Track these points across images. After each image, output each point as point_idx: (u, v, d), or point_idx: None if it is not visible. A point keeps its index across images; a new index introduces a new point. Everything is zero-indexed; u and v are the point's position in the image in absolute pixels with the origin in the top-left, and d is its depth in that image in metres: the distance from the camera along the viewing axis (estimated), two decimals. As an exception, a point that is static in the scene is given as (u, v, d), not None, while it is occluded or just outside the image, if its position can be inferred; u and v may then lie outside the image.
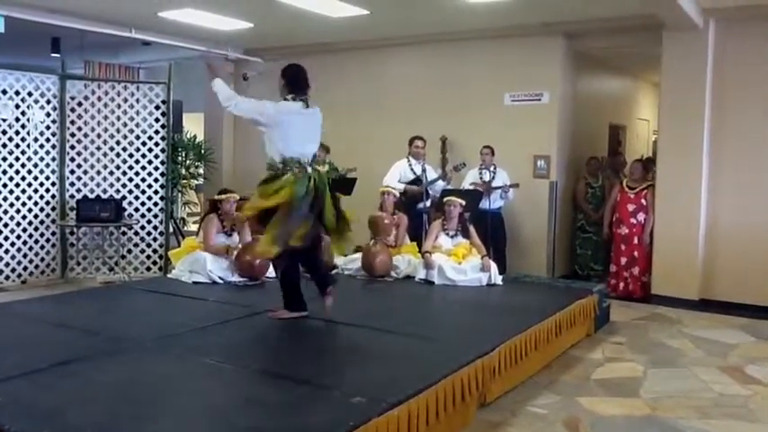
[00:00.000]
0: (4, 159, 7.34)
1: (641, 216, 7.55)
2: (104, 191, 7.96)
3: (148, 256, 8.13)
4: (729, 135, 7.13)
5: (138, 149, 8.04)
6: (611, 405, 4.36)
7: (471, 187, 7.75)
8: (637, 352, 5.56)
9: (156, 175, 8.10)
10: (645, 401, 4.44)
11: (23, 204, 7.51)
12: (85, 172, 7.95)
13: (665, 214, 7.37)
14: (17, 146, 7.43)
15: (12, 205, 7.41)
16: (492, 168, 7.83)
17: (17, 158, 7.44)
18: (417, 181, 7.63)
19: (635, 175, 7.74)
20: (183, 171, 9.43)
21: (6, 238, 7.38)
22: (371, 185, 7.65)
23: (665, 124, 7.43)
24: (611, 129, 10.31)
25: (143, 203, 8.08)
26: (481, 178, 7.77)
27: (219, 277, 6.14)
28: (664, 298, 7.30)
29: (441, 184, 7.75)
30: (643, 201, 7.55)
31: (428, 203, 7.65)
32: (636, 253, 7.55)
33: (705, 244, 7.26)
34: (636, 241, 7.55)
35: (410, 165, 7.73)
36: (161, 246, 8.12)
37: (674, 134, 7.31)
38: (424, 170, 7.70)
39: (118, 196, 7.92)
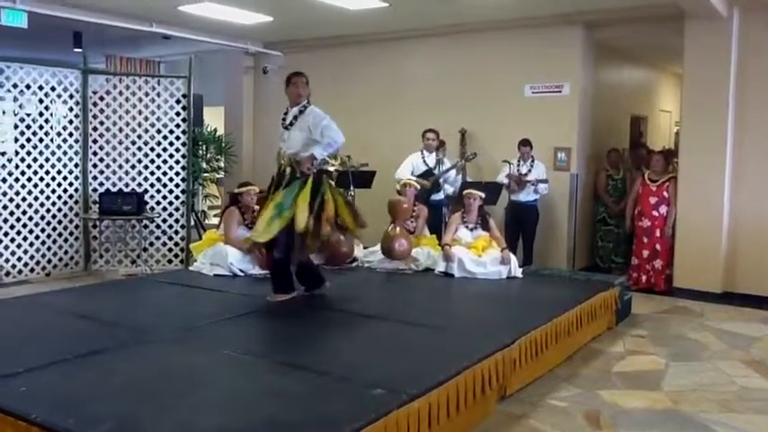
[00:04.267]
0: (29, 154, 7.43)
1: (663, 208, 7.48)
2: (126, 184, 8.02)
3: (170, 249, 8.18)
4: (753, 126, 7.03)
5: (159, 143, 8.09)
6: (633, 398, 4.33)
7: (506, 180, 7.76)
8: (659, 345, 5.52)
9: (178, 168, 8.15)
10: (666, 395, 4.41)
11: (47, 198, 7.60)
12: (108, 166, 8.02)
13: (687, 206, 7.29)
14: (41, 140, 7.52)
15: (36, 199, 7.50)
16: (530, 161, 7.84)
17: (41, 153, 7.52)
18: (429, 173, 7.65)
19: (657, 168, 7.67)
20: (204, 164, 9.48)
21: (31, 232, 7.47)
22: (390, 178, 7.66)
23: (687, 115, 7.34)
24: (633, 120, 10.21)
25: (164, 197, 8.13)
26: (518, 170, 7.78)
27: (240, 270, 6.18)
28: (686, 291, 7.23)
29: (453, 174, 7.77)
30: (665, 193, 7.48)
31: (441, 195, 7.71)
32: (658, 246, 7.48)
33: (728, 236, 7.17)
34: (658, 234, 7.48)
35: (423, 157, 7.75)
36: (182, 239, 8.17)
37: (697, 125, 7.21)
38: (438, 162, 7.74)
39: (140, 190, 7.98)
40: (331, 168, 7.90)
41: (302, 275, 5.41)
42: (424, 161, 7.74)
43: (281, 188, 5.06)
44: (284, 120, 5.24)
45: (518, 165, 7.86)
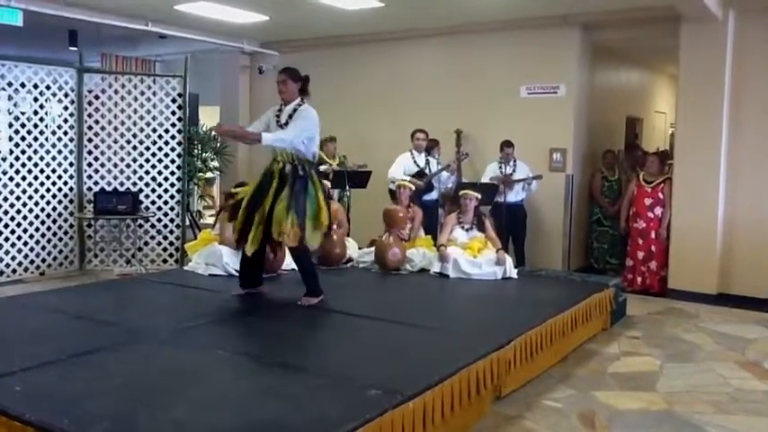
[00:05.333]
0: (23, 152, 7.41)
1: (658, 210, 7.49)
2: (121, 183, 8.01)
3: (165, 249, 8.17)
4: (748, 128, 7.05)
5: (154, 142, 8.07)
6: (627, 399, 4.34)
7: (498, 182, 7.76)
8: (653, 346, 5.53)
9: (173, 167, 8.13)
10: (661, 396, 4.42)
11: (42, 197, 7.58)
12: (103, 165, 8.00)
13: (682, 208, 7.31)
14: (35, 139, 7.49)
15: (30, 198, 7.47)
16: (512, 162, 7.83)
17: (35, 151, 7.50)
18: (420, 173, 7.67)
19: (651, 170, 7.68)
20: (199, 164, 9.46)
21: (25, 231, 7.45)
22: (385, 179, 7.67)
23: (682, 117, 7.36)
24: (628, 121, 10.24)
25: (159, 196, 8.12)
26: (502, 172, 7.77)
27: (236, 270, 6.13)
28: (681, 292, 7.24)
29: (446, 175, 7.78)
30: (660, 194, 7.49)
31: (434, 195, 7.70)
32: (653, 247, 7.49)
33: (723, 238, 7.19)
34: (653, 235, 7.49)
35: (413, 157, 7.77)
36: (177, 238, 8.16)
37: (692, 127, 7.24)
38: (427, 162, 7.75)
39: (135, 189, 7.96)
40: (326, 167, 7.90)
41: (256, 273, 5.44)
42: (415, 161, 7.76)
43: (285, 189, 4.92)
44: (278, 118, 5.14)
45: (500, 167, 7.84)
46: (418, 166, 7.74)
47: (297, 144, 4.96)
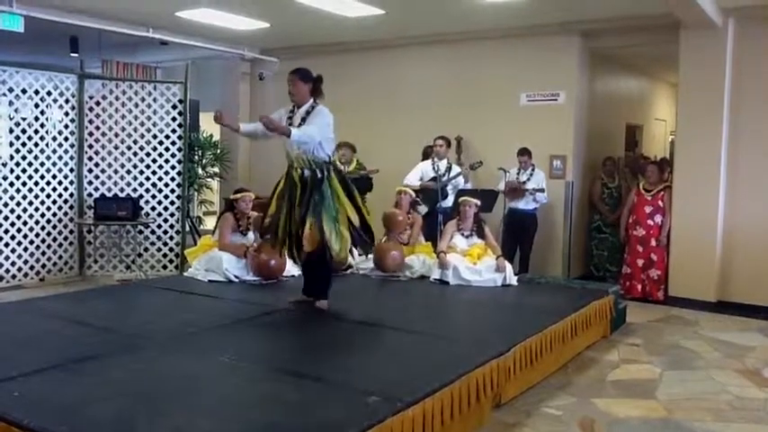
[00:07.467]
0: (24, 158, 7.42)
1: (658, 218, 7.49)
2: (122, 189, 8.02)
3: (165, 255, 8.18)
4: (748, 135, 7.06)
5: (155, 148, 8.09)
6: (627, 407, 4.34)
7: (503, 187, 7.78)
8: (653, 353, 5.53)
9: (173, 174, 8.15)
10: (661, 403, 4.41)
11: (42, 203, 7.58)
12: (103, 171, 8.02)
13: (682, 215, 7.31)
14: (36, 145, 7.51)
15: (30, 203, 7.48)
16: (530, 170, 7.86)
17: (36, 157, 7.51)
18: (436, 180, 7.67)
19: (651, 178, 7.68)
20: (200, 170, 9.46)
21: (25, 236, 7.45)
22: (386, 185, 7.67)
23: (682, 124, 7.37)
24: (628, 129, 10.25)
25: (160, 202, 8.13)
26: (517, 178, 7.80)
27: (235, 276, 6.16)
28: (680, 299, 7.25)
29: (461, 181, 7.78)
30: (660, 202, 7.50)
31: (446, 203, 7.67)
32: (654, 255, 7.48)
33: (722, 245, 7.20)
34: (653, 243, 7.48)
35: (433, 164, 7.79)
36: (177, 244, 8.17)
37: (692, 135, 7.25)
38: (448, 168, 7.75)
39: (135, 195, 7.98)
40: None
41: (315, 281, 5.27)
42: (434, 168, 7.77)
43: (306, 195, 4.78)
44: (291, 121, 4.89)
45: (518, 173, 7.87)
46: (436, 172, 7.75)
47: (316, 144, 4.79)
